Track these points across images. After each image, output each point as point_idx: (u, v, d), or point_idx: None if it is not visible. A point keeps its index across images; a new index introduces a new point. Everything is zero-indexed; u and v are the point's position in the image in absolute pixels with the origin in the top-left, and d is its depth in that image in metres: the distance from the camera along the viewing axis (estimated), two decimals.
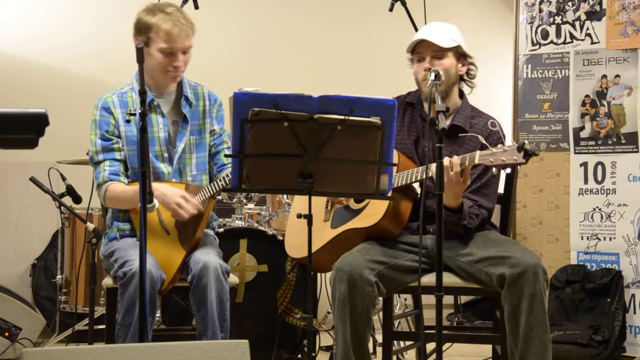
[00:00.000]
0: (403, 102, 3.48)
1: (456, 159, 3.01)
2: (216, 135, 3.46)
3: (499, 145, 2.95)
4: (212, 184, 3.24)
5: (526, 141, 2.83)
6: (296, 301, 4.02)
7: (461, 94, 3.45)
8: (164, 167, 3.36)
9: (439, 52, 3.31)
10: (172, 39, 3.23)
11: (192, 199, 3.23)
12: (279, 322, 3.98)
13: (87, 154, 3.97)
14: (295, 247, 3.53)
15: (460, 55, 3.36)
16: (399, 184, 3.22)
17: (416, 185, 3.28)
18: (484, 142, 3.03)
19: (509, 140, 3.25)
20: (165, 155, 3.37)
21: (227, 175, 3.19)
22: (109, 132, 3.32)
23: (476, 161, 2.98)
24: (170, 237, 3.29)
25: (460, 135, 3.30)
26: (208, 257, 3.16)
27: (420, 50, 3.34)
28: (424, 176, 3.13)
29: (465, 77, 3.41)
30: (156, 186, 3.23)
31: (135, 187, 3.17)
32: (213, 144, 3.46)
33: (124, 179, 3.32)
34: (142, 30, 3.27)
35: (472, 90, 3.44)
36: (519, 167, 2.97)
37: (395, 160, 3.28)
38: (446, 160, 2.99)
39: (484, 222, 3.31)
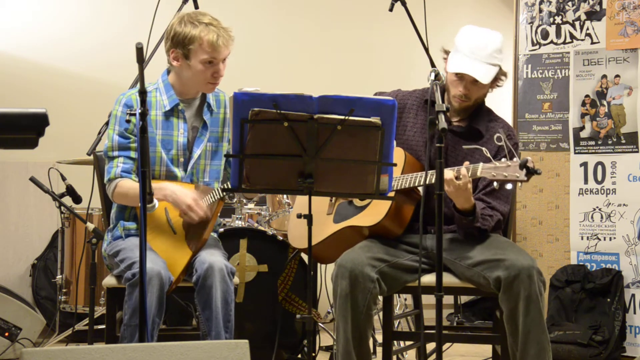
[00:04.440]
0: (419, 99, 3.47)
1: (464, 171, 3.01)
2: None
3: (503, 160, 2.95)
4: (222, 186, 3.25)
5: (530, 158, 2.82)
6: (296, 289, 4.01)
7: None
8: (178, 171, 3.36)
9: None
10: (216, 49, 3.24)
11: (202, 203, 3.24)
12: (280, 311, 3.98)
13: (87, 152, 3.98)
14: (297, 237, 3.54)
15: (498, 75, 3.31)
16: (403, 186, 3.22)
17: (421, 188, 3.28)
18: (488, 155, 3.02)
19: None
20: (181, 160, 3.36)
21: None
22: (128, 130, 3.31)
23: (478, 174, 2.99)
24: (177, 237, 3.29)
25: (464, 147, 3.27)
26: (214, 257, 3.16)
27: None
28: (428, 182, 3.12)
29: (495, 86, 3.37)
30: (167, 185, 3.24)
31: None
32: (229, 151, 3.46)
33: (135, 178, 3.31)
34: (182, 42, 3.25)
35: (492, 90, 3.39)
36: (520, 184, 2.95)
37: (402, 159, 3.29)
38: (450, 173, 3.00)
39: (499, 224, 3.29)
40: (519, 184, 2.95)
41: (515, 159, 2.92)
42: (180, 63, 3.30)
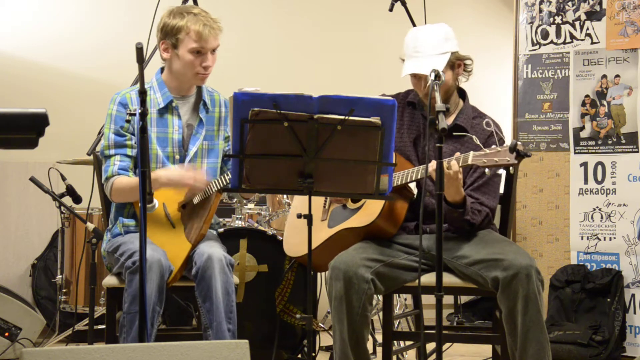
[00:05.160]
0: (403, 101, 3.48)
1: (454, 161, 3.03)
2: (229, 142, 3.46)
3: (493, 147, 2.96)
4: (221, 177, 3.25)
5: (519, 142, 2.84)
6: (294, 300, 4.02)
7: (463, 94, 3.44)
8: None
9: None
10: (202, 38, 3.27)
11: (197, 172, 3.24)
12: (278, 321, 3.99)
13: (87, 152, 3.98)
14: (293, 246, 3.54)
15: (455, 61, 3.32)
16: (396, 184, 3.22)
17: (412, 186, 3.29)
18: (478, 142, 3.04)
19: (507, 139, 3.28)
20: (177, 157, 3.37)
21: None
22: (123, 128, 3.32)
23: (469, 161, 2.99)
24: (176, 231, 3.30)
25: (455, 134, 3.29)
26: (212, 249, 3.17)
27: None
28: (421, 176, 3.13)
29: (462, 73, 3.39)
30: (159, 174, 3.23)
31: None
32: (227, 150, 3.47)
33: (133, 175, 3.32)
34: (170, 32, 3.30)
35: (468, 78, 3.42)
36: (511, 167, 2.98)
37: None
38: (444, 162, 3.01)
39: (488, 220, 3.31)
40: (511, 167, 2.96)
41: (505, 145, 2.93)
42: (170, 54, 3.33)
